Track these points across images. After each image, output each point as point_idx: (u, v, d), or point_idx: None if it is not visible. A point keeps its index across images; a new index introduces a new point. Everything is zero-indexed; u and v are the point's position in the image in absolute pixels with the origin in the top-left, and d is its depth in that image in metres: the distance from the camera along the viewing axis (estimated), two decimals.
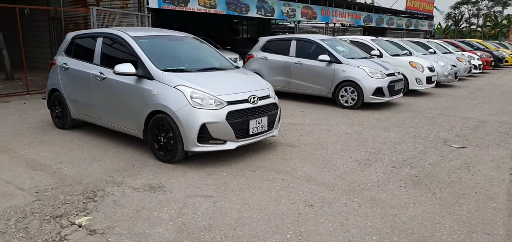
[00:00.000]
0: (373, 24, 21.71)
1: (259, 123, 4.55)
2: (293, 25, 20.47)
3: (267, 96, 4.80)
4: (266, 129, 4.71)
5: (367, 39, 11.14)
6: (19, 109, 7.52)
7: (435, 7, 30.40)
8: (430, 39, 18.67)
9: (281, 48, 9.16)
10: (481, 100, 9.62)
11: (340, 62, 8.16)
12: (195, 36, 5.95)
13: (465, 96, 10.29)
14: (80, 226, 2.97)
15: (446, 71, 11.73)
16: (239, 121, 4.33)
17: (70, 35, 6.00)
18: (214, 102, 4.23)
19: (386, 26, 22.91)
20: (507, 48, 23.38)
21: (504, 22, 52.02)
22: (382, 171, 4.34)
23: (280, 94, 6.86)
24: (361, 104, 7.97)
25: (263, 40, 9.77)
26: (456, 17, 54.46)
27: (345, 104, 8.13)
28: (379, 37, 12.74)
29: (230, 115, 4.25)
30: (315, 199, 3.54)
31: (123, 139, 5.34)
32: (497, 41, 27.90)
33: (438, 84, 11.72)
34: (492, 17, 52.79)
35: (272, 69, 9.15)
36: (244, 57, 10.47)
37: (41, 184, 3.80)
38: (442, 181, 4.06)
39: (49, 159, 4.56)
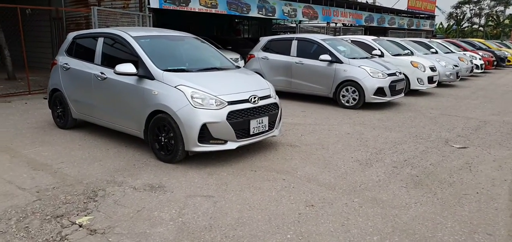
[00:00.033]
0: (375, 24, 21.68)
1: (260, 123, 4.55)
2: (295, 25, 20.48)
3: (268, 96, 4.79)
4: (267, 128, 4.70)
5: (368, 39, 11.12)
6: (20, 109, 7.53)
7: (436, 6, 30.31)
8: (431, 39, 18.63)
9: (282, 48, 9.15)
10: (483, 100, 9.59)
11: (341, 62, 8.15)
12: (196, 36, 5.95)
13: (467, 96, 10.26)
14: (80, 226, 2.97)
15: (448, 71, 11.69)
16: (239, 120, 4.33)
17: (71, 35, 6.01)
18: (215, 102, 4.23)
19: (387, 26, 22.87)
20: (509, 48, 23.30)
21: (506, 21, 51.85)
22: (383, 171, 4.33)
23: (281, 94, 6.85)
24: (363, 104, 7.96)
25: (264, 40, 9.77)
26: (458, 17, 54.28)
27: (346, 104, 8.11)
28: (380, 37, 12.72)
29: (231, 115, 4.25)
30: (316, 199, 3.53)
31: (124, 138, 5.34)
32: (499, 41, 27.82)
33: (440, 84, 11.69)
34: (494, 17, 52.60)
35: (273, 69, 9.14)
36: (245, 57, 10.47)
37: (42, 183, 3.80)
38: (444, 181, 4.04)
39: (50, 159, 4.57)
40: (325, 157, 4.79)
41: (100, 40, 5.30)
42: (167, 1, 10.52)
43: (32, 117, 6.82)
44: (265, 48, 9.50)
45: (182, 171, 4.19)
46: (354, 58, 8.39)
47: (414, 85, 10.09)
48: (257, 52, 9.56)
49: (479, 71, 16.13)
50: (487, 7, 51.95)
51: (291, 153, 4.94)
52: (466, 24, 55.04)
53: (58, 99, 5.95)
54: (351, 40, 10.58)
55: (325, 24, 18.78)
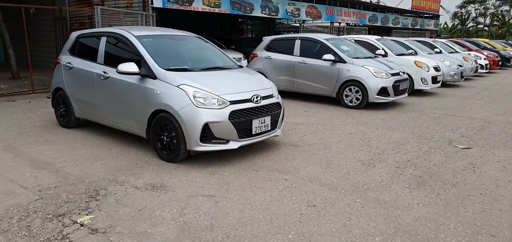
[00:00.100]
0: (379, 24, 21.61)
1: (262, 123, 4.53)
2: (298, 25, 20.44)
3: (270, 96, 4.78)
4: (269, 128, 4.69)
5: (372, 39, 11.06)
6: (24, 108, 7.57)
7: (441, 6, 30.19)
8: (436, 39, 18.53)
9: (285, 47, 9.13)
10: (488, 100, 9.52)
11: (344, 62, 8.12)
12: (198, 36, 5.94)
13: (471, 96, 10.19)
14: (82, 225, 2.98)
15: (452, 71, 11.62)
16: (242, 120, 4.32)
17: (74, 35, 6.02)
18: (217, 101, 4.22)
19: (391, 25, 22.78)
20: None
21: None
22: (386, 171, 4.30)
23: (284, 94, 6.84)
24: (366, 104, 7.92)
25: (267, 39, 9.75)
26: (463, 17, 53.98)
27: (350, 104, 8.08)
28: (384, 37, 12.67)
29: (233, 115, 4.24)
30: (318, 199, 3.51)
31: (127, 138, 5.35)
32: (505, 41, 27.62)
33: (444, 84, 11.61)
34: (500, 17, 52.23)
35: (276, 69, 9.12)
36: (248, 56, 10.46)
37: (44, 182, 3.81)
38: (447, 182, 4.01)
39: (53, 158, 4.58)
40: (328, 157, 4.77)
41: (103, 40, 5.31)
42: (171, 0, 10.53)
43: (36, 116, 6.85)
44: (268, 48, 9.49)
45: (184, 170, 4.19)
46: (357, 58, 8.36)
47: (418, 85, 10.04)
48: (260, 52, 9.54)
49: (484, 71, 16.01)
50: (492, 6, 51.68)
51: (293, 152, 4.93)
52: (471, 24, 54.73)
53: (61, 98, 5.97)
54: (355, 40, 10.54)
55: (329, 24, 18.74)
